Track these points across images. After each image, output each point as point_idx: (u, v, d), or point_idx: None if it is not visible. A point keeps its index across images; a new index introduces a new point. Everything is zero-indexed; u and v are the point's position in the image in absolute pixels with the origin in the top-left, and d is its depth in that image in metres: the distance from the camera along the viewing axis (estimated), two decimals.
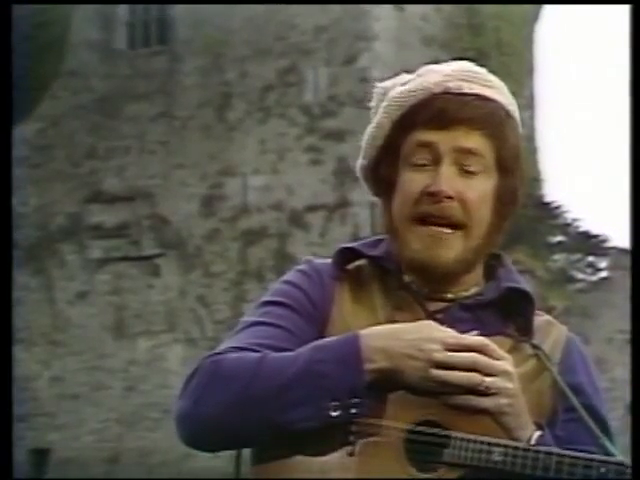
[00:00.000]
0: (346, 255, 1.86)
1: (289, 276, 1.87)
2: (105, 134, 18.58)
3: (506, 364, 1.69)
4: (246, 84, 17.90)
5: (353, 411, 1.68)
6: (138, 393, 18.01)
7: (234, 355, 1.73)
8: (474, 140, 1.77)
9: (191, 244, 18.10)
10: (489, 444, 1.66)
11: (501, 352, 1.70)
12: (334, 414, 1.68)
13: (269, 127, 17.64)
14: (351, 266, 1.86)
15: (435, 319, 1.76)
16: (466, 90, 1.78)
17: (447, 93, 1.78)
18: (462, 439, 1.67)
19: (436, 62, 1.92)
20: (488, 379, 1.67)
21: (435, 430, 1.69)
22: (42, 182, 17.80)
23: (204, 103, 18.11)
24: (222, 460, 16.25)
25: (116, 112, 18.54)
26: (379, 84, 1.88)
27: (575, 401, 1.76)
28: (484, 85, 1.81)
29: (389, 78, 1.89)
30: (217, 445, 1.75)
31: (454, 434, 1.68)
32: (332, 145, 17.19)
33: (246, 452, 1.80)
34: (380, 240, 1.88)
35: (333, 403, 1.68)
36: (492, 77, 1.83)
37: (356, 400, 1.68)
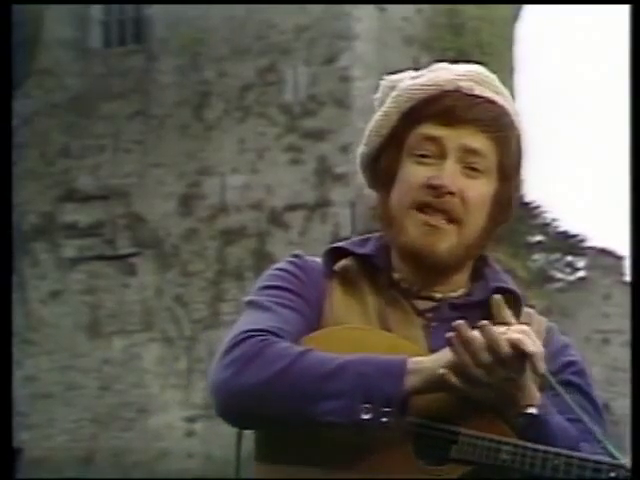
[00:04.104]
0: (335, 254, 1.87)
1: (283, 265, 1.87)
2: (79, 133, 18.49)
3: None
4: (225, 83, 17.86)
5: (384, 419, 1.66)
6: (113, 393, 17.93)
7: (282, 343, 1.73)
8: (480, 141, 1.80)
9: (168, 243, 18.04)
10: (498, 442, 1.66)
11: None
12: (365, 417, 1.66)
13: (248, 126, 17.61)
14: (338, 265, 1.86)
15: (425, 318, 1.80)
16: (477, 92, 1.81)
17: (458, 92, 1.80)
18: (471, 436, 1.67)
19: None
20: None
21: (444, 425, 1.68)
22: (15, 181, 17.64)
23: (181, 102, 18.06)
24: (197, 461, 16.24)
25: (91, 111, 18.46)
26: (387, 77, 1.90)
27: (567, 397, 1.74)
28: (494, 91, 1.83)
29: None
30: (245, 419, 1.74)
31: (463, 430, 1.68)
32: (312, 144, 17.19)
33: (245, 453, 1.76)
34: (368, 239, 1.89)
35: (366, 405, 1.66)
36: (501, 85, 1.86)
37: (389, 409, 1.66)
